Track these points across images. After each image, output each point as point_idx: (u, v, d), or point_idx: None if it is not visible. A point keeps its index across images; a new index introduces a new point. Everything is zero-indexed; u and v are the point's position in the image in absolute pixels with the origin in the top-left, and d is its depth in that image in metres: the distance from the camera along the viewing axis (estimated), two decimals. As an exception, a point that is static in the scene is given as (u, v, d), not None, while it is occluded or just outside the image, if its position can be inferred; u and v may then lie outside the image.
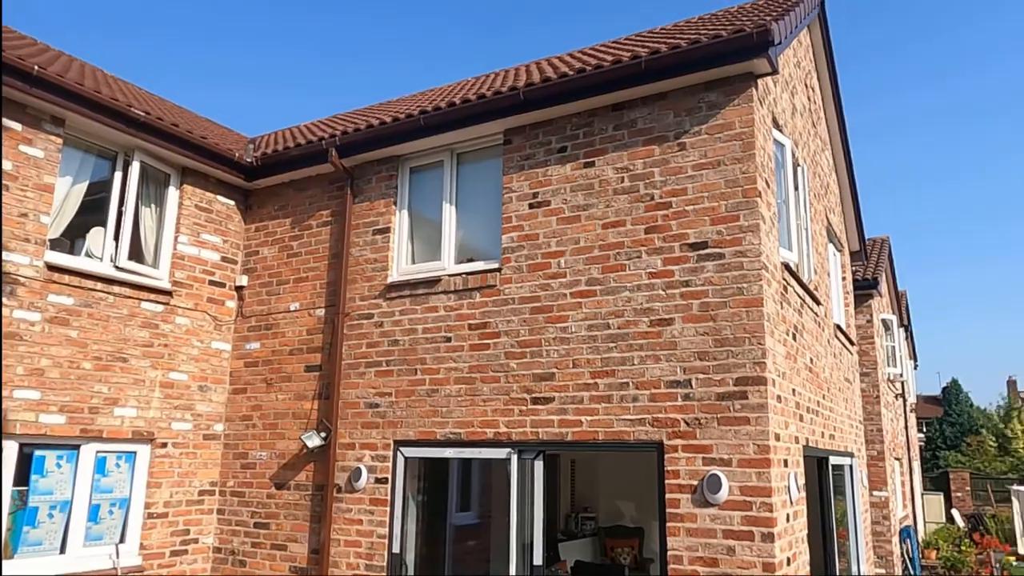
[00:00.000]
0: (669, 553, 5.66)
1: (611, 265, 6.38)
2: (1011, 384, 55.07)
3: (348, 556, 7.13)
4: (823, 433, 7.75)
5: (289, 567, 7.50)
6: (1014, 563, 17.03)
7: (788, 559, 5.64)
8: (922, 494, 22.79)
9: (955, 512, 23.96)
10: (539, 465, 6.45)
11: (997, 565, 14.72)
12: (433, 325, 7.19)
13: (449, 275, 7.23)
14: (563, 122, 6.88)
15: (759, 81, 6.19)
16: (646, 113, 6.48)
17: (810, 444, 6.95)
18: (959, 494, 26.28)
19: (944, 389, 51.72)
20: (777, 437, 5.68)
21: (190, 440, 7.94)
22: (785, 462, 5.84)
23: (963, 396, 50.53)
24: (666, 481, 5.80)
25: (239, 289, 8.60)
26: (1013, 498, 14.69)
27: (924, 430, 43.89)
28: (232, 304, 8.56)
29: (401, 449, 7.15)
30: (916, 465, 22.35)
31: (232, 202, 8.70)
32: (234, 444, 8.21)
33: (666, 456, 5.83)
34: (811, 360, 7.46)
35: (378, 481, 7.16)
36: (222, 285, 8.48)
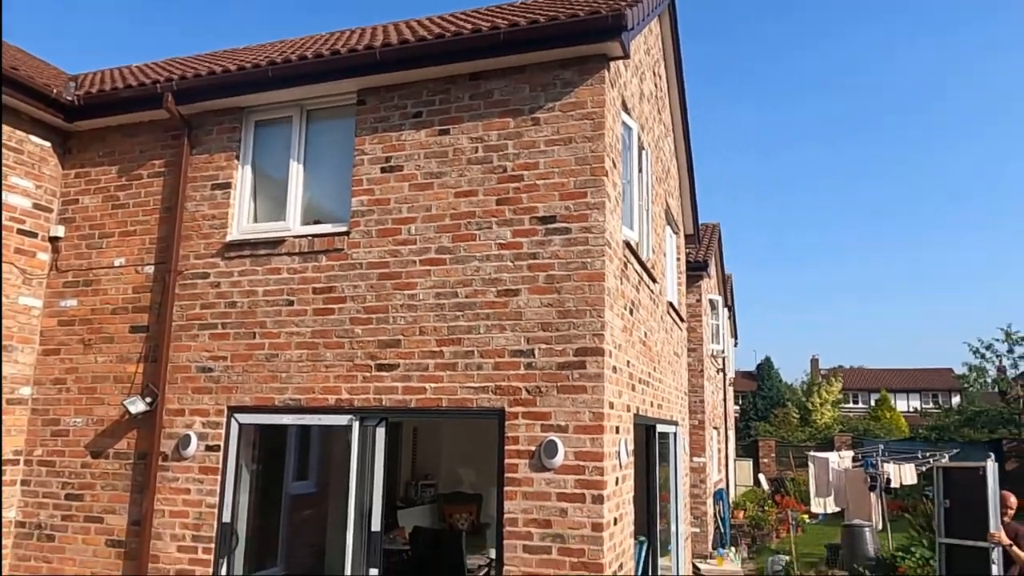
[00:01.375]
0: (506, 516, 5.83)
1: (462, 234, 6.40)
2: (814, 362, 61.43)
3: (173, 527, 6.76)
4: (652, 403, 8.26)
5: (105, 540, 6.99)
6: (807, 520, 19.10)
7: (615, 519, 5.99)
8: (735, 460, 24.95)
9: (762, 476, 26.46)
10: (381, 432, 6.41)
11: (793, 522, 16.45)
12: (275, 288, 6.91)
13: (294, 236, 6.95)
14: (420, 87, 6.77)
15: (611, 64, 6.40)
16: (503, 85, 6.52)
17: (640, 413, 7.38)
18: (766, 460, 29.06)
19: (758, 366, 56.76)
20: (611, 405, 5.99)
21: (-10, 405, 7.17)
22: (617, 429, 6.17)
23: (774, 372, 55.70)
24: (506, 447, 5.95)
25: (54, 240, 7.81)
26: (809, 463, 16.47)
27: (740, 403, 47.97)
28: (45, 256, 7.76)
29: (236, 415, 6.84)
30: (731, 434, 24.41)
31: (48, 144, 7.85)
32: (43, 410, 7.50)
33: (507, 423, 5.99)
34: (645, 334, 7.90)
35: (209, 449, 6.82)
36: (33, 235, 7.66)
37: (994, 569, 7.70)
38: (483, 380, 6.11)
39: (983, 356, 27.62)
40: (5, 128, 7.39)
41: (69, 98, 7.62)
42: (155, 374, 7.09)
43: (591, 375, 5.85)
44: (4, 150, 7.38)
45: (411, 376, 6.32)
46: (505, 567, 5.76)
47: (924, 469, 16.22)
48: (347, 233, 6.75)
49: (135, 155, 7.74)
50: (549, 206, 6.19)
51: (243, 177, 7.37)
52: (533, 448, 5.87)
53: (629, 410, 6.78)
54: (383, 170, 6.75)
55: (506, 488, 5.89)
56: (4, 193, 7.36)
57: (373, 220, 6.69)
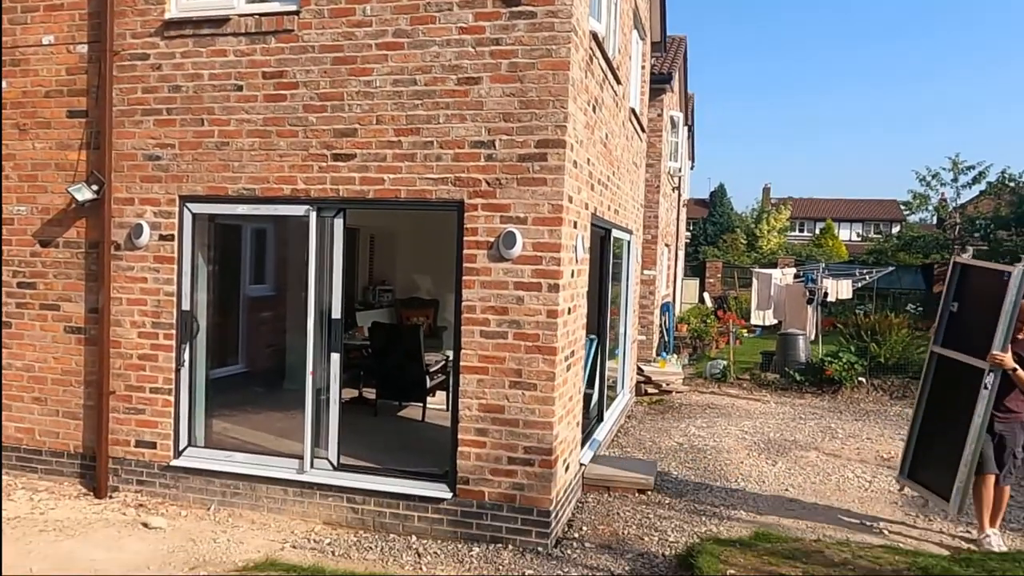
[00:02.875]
0: (464, 304, 5.99)
1: (420, 16, 6.03)
2: (766, 191, 62.42)
3: (132, 315, 6.80)
4: (609, 207, 8.34)
5: (64, 327, 7.03)
6: (745, 333, 20.26)
7: (569, 309, 6.22)
8: (682, 279, 25.93)
9: (706, 295, 27.69)
10: (339, 224, 6.37)
11: (732, 334, 17.43)
12: (221, 71, 6.51)
13: (239, 15, 6.46)
14: None
15: None
16: None
17: (597, 214, 7.45)
18: (711, 280, 30.27)
19: (712, 193, 57.51)
20: (570, 199, 6.01)
21: (-75, 190, 6.86)
22: (575, 224, 6.24)
23: (726, 200, 56.59)
24: (464, 238, 6.00)
25: (-28, 14, 7.13)
26: (753, 278, 17.18)
27: (691, 228, 49.06)
28: (-36, 32, 7.12)
29: (188, 205, 6.70)
30: (681, 254, 25.16)
31: (-50, -102, 6.94)
32: (-17, 198, 7.21)
33: (466, 215, 5.99)
34: (606, 136, 7.81)
35: (163, 239, 6.72)
36: (-53, 6, 6.97)
37: (983, 395, 6.02)
38: (442, 171, 6.03)
39: (928, 184, 28.39)
40: None
41: None
42: (99, 162, 6.80)
43: (551, 167, 5.81)
44: (-101, -98, 6.52)
45: (368, 167, 6.19)
46: (463, 351, 6.01)
47: (859, 285, 17.13)
48: (297, 12, 6.30)
49: (54, -84, 6.92)
50: (514, -13, 5.82)
51: (179, -54, 6.69)
52: (492, 239, 5.93)
53: (587, 208, 6.83)
54: (334, -59, 6.18)
55: (464, 278, 6.00)
56: (-94, -46, 6.59)
57: (325, -2, 6.22)
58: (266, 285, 11.94)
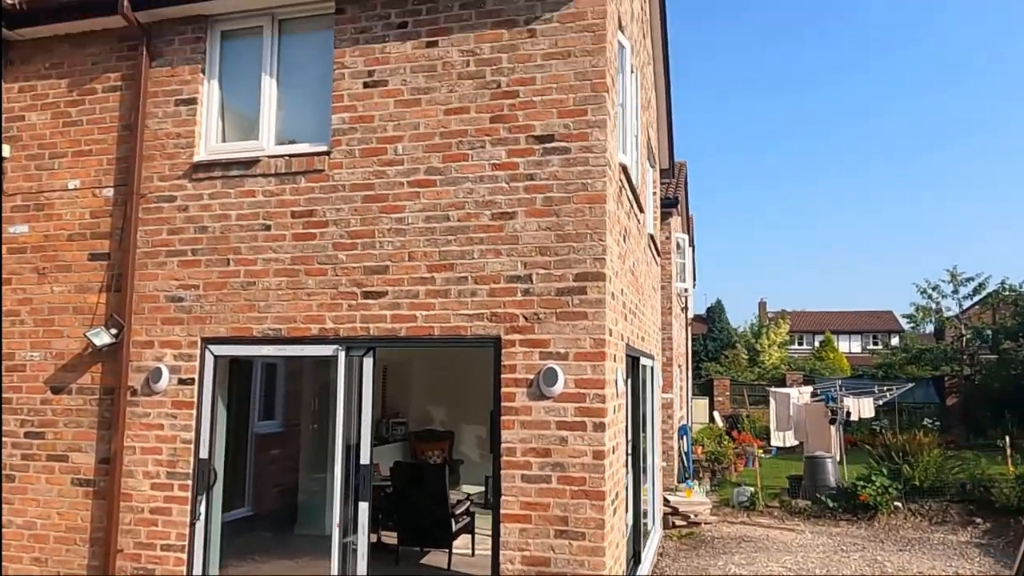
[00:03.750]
0: (503, 446, 5.65)
1: (453, 154, 6.03)
2: (762, 305, 62.88)
3: (146, 464, 6.41)
4: (637, 334, 8.14)
5: (71, 479, 6.60)
6: (762, 454, 19.63)
7: (613, 448, 5.87)
8: (691, 398, 25.45)
9: (716, 414, 27.12)
10: (368, 362, 6.12)
11: (750, 456, 16.86)
12: (250, 211, 6.46)
13: (269, 156, 6.48)
14: (404, -6, 6.28)
15: (612, -28, 6.01)
16: (493, -6, 6.08)
17: (630, 343, 7.24)
18: (720, 399, 29.76)
19: (709, 308, 57.78)
20: (610, 332, 5.80)
21: (-64, 338, 6.62)
22: (615, 357, 6.01)
23: (724, 315, 56.81)
24: (502, 376, 5.73)
25: (-1, 161, 7.15)
26: (771, 399, 16.83)
27: (692, 345, 48.94)
28: (-11, 179, 7.11)
29: (210, 347, 6.46)
30: (689, 374, 24.83)
31: (-13, 53, 7.12)
32: (-4, 343, 6.97)
33: (503, 351, 5.75)
34: (633, 264, 7.72)
35: (182, 382, 6.44)
36: (-25, 154, 7.00)
37: None
38: (477, 307, 5.85)
39: (930, 296, 28.56)
40: (-63, 33, 6.66)
41: (11, 2, 6.87)
42: (119, 304, 6.61)
43: (592, 301, 5.64)
44: (-62, 58, 6.66)
45: (400, 304, 6.01)
46: (503, 498, 5.61)
47: (880, 403, 16.75)
48: (328, 153, 6.32)
49: (87, 67, 7.08)
50: (547, 124, 5.86)
51: (210, 92, 6.81)
52: (531, 376, 5.66)
53: (623, 339, 6.62)
54: (366, 85, 6.29)
55: (503, 418, 5.69)
56: (-60, 106, 6.67)
57: (356, 139, 6.26)
58: (275, 421, 11.50)
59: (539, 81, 5.92)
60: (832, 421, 15.15)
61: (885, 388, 17.53)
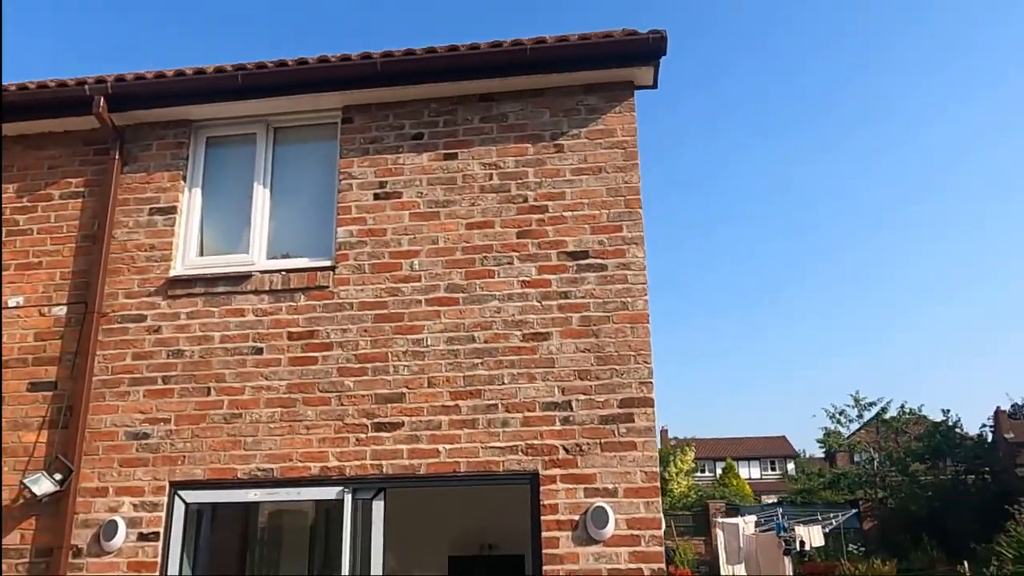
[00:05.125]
0: (548, 602, 4.88)
1: (477, 271, 5.58)
2: (663, 433, 63.53)
3: (88, 646, 5.14)
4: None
5: (-18, 672, 5.21)
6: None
7: (664, 598, 5.21)
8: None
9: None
10: (379, 506, 5.28)
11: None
12: (237, 332, 5.67)
13: (262, 271, 5.79)
14: (419, 106, 5.98)
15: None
16: (518, 108, 5.89)
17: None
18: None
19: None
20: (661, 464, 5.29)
21: None
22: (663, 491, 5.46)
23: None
24: (542, 517, 5.05)
25: (-81, 274, 6.07)
26: (718, 530, 16.41)
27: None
28: (-95, 295, 6.00)
29: (180, 493, 5.42)
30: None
31: (-81, 153, 6.20)
32: None
33: (542, 488, 5.11)
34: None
35: (143, 538, 5.32)
36: None
37: None
38: (510, 438, 5.22)
39: (839, 421, 29.70)
40: None
41: (-40, 97, 6.08)
42: (67, 443, 5.52)
43: (640, 429, 5.15)
44: None
45: (419, 436, 5.29)
46: (550, 665, 4.78)
47: (827, 530, 16.64)
48: (333, 268, 5.71)
49: (41, 171, 6.27)
50: (579, 240, 5.55)
51: (191, 201, 6.14)
52: (577, 517, 5.01)
53: (651, 471, 6.09)
54: (377, 197, 5.83)
55: (546, 568, 4.96)
56: None
57: (366, 253, 5.71)
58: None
59: (569, 196, 5.65)
60: (787, 552, 14.81)
61: (831, 515, 17.51)
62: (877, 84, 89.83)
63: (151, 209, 6.04)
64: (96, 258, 5.87)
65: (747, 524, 16.53)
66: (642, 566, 4.89)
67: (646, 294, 5.41)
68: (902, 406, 28.08)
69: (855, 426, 29.86)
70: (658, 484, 5.06)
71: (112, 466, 5.50)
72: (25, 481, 5.30)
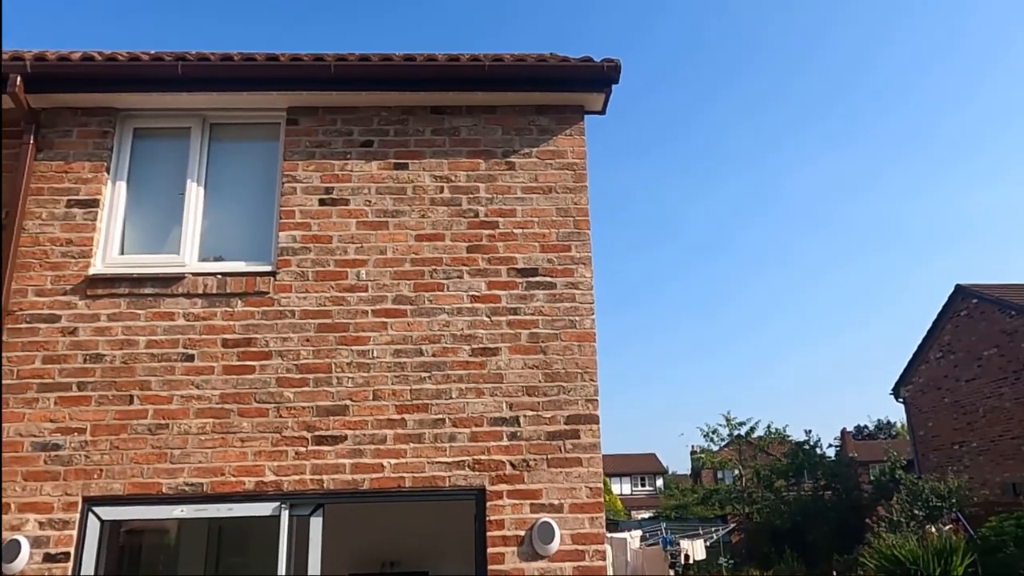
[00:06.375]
0: (494, 618, 4.87)
1: (426, 283, 5.53)
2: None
3: None
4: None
5: None
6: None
7: (601, 611, 5.31)
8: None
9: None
10: (317, 523, 5.08)
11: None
12: (166, 337, 5.32)
13: (195, 274, 5.48)
14: (369, 113, 5.88)
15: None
16: (471, 123, 5.91)
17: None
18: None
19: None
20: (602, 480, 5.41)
21: None
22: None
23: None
24: (488, 533, 5.04)
25: None
26: (605, 543, 16.73)
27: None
28: None
29: (96, 509, 5.00)
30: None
31: None
32: None
33: (488, 504, 5.10)
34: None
35: (50, 559, 4.86)
36: None
37: None
38: (457, 454, 5.19)
39: (711, 439, 31.33)
40: None
41: None
42: (-39, 454, 4.98)
43: (586, 445, 5.26)
44: None
45: (363, 451, 5.16)
46: None
47: (708, 543, 17.41)
48: (273, 274, 5.49)
49: (-62, 152, 5.66)
50: (529, 257, 5.62)
51: (115, 195, 5.72)
52: (523, 533, 5.04)
53: (583, 487, 6.21)
54: (322, 202, 5.67)
55: (491, 584, 4.94)
56: None
57: (309, 260, 5.53)
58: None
59: (519, 214, 5.72)
60: (672, 565, 15.38)
61: (713, 529, 18.36)
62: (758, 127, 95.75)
63: (69, 201, 5.58)
64: (3, 251, 5.36)
65: (633, 538, 17.07)
66: (586, 581, 4.98)
67: (593, 313, 5.54)
68: (768, 427, 30.10)
69: (722, 445, 31.76)
70: (602, 500, 5.17)
71: (15, 480, 5.00)
72: (-89, 496, 4.73)
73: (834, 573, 16.92)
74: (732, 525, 20.62)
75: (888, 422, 57.69)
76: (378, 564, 9.40)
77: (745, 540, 27.20)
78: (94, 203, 5.59)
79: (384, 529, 8.31)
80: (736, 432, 30.48)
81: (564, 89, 5.85)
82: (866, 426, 61.24)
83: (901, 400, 22.96)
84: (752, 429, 30.34)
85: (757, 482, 27.93)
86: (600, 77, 5.73)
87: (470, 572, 5.18)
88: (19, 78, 5.42)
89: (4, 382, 5.16)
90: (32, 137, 5.60)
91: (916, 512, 16.56)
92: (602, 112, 6.09)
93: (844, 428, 43.99)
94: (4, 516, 4.92)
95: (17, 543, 4.84)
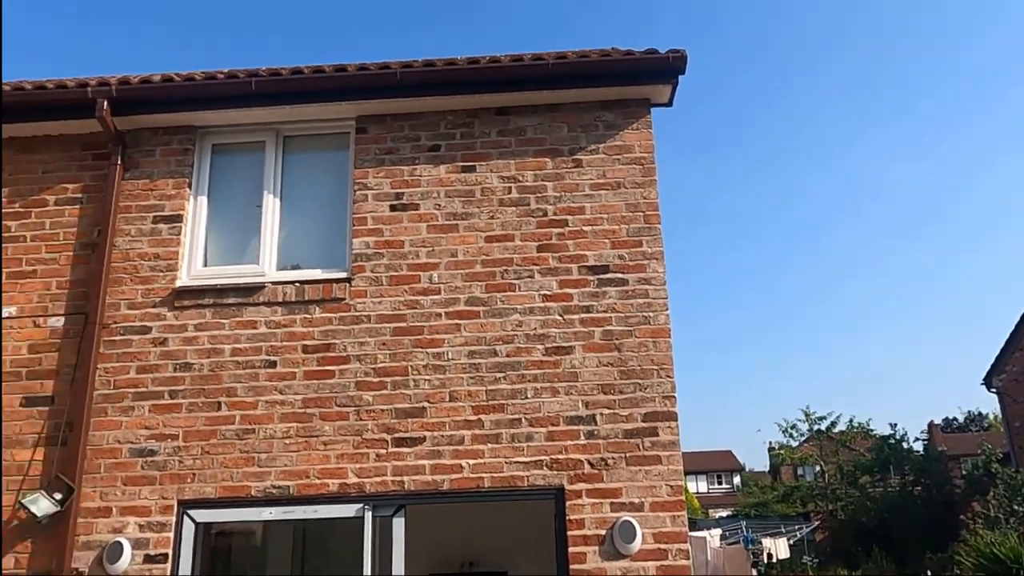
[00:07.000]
0: (578, 618, 4.85)
1: (497, 284, 5.55)
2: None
3: (91, 676, 4.88)
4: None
5: None
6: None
7: (686, 611, 5.23)
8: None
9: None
10: (400, 524, 5.16)
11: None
12: (249, 345, 5.50)
13: (275, 283, 5.64)
14: (435, 118, 5.95)
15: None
16: (536, 123, 5.91)
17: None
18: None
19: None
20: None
21: None
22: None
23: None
24: (568, 532, 5.02)
25: (-101, 282, 5.72)
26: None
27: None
28: None
29: (190, 512, 5.21)
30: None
31: (-99, 154, 5.86)
32: None
33: (568, 503, 5.08)
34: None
35: (150, 560, 5.09)
36: None
37: None
38: (535, 453, 5.19)
39: (791, 435, 30.51)
40: None
41: (-51, 95, 5.77)
42: (66, 462, 5.25)
43: (665, 443, 5.18)
44: None
45: (442, 451, 5.22)
46: None
47: (791, 542, 16.95)
48: (349, 280, 5.61)
49: (36, 176, 6.00)
50: (600, 254, 5.58)
51: (198, 210, 5.95)
52: (603, 532, 5.00)
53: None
54: (393, 208, 5.76)
55: (573, 583, 4.92)
56: None
57: (383, 265, 5.62)
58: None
59: (588, 211, 5.68)
60: (755, 564, 15.02)
61: (796, 527, 17.89)
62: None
63: (155, 217, 5.83)
64: (96, 267, 5.64)
65: (713, 537, 16.72)
66: (670, 580, 4.90)
67: (667, 308, 5.46)
68: (850, 421, 29.13)
69: (801, 440, 30.82)
70: (683, 498, 5.09)
71: (115, 484, 5.25)
72: (23, 501, 5.02)
73: (928, 572, 16.21)
74: (816, 523, 20.00)
75: (979, 413, 54.85)
76: (457, 564, 9.49)
77: (829, 538, 26.37)
78: (178, 218, 5.83)
79: (462, 530, 8.37)
80: (816, 427, 29.59)
81: (629, 83, 5.79)
82: (955, 418, 58.41)
83: (994, 390, 21.85)
84: (833, 424, 29.42)
85: (840, 478, 27.05)
86: (666, 68, 5.64)
87: (548, 572, 5.19)
88: (106, 102, 5.69)
89: (102, 392, 5.42)
90: (119, 158, 5.87)
91: (1016, 508, 15.72)
92: (669, 104, 6.00)
93: (931, 421, 42.07)
94: (105, 520, 5.17)
95: (120, 545, 5.08)
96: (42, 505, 5.03)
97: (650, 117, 5.90)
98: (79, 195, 5.92)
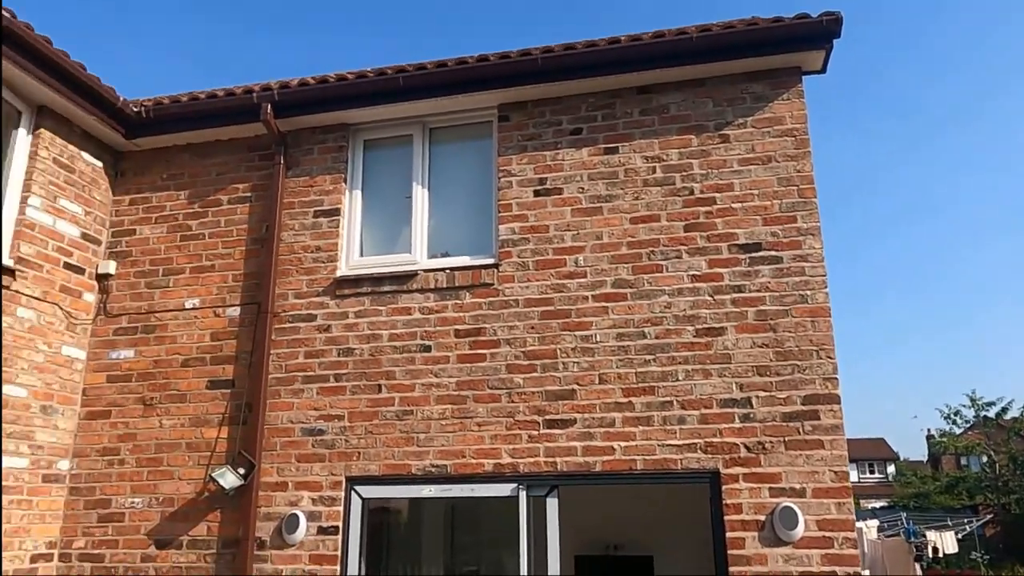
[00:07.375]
0: (738, 604, 4.74)
1: (644, 265, 5.49)
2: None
3: (276, 636, 5.31)
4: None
5: (177, 657, 5.45)
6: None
7: (853, 603, 4.99)
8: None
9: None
10: (553, 503, 5.25)
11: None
12: (405, 331, 5.75)
13: (427, 270, 5.86)
14: (576, 101, 5.94)
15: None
16: (679, 99, 5.77)
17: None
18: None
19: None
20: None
21: (24, 483, 5.61)
22: (848, 492, 5.24)
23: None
24: (725, 517, 4.91)
25: (102, 278, 6.41)
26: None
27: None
28: (91, 297, 6.34)
29: (357, 488, 5.54)
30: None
31: (100, 164, 6.55)
32: (88, 488, 5.94)
33: (724, 487, 4.97)
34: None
35: (323, 531, 5.46)
36: (80, 271, 6.26)
37: None
38: (688, 436, 5.11)
39: (954, 421, 28.27)
40: (57, 139, 6.10)
41: (136, 109, 6.40)
42: (247, 439, 5.73)
43: (827, 427, 4.95)
44: (54, 165, 6.06)
45: (593, 433, 5.24)
46: (742, 670, 4.64)
47: (960, 536, 15.77)
48: (496, 266, 5.73)
49: (210, 178, 6.53)
50: (751, 232, 5.38)
51: (352, 203, 6.27)
52: (762, 517, 4.85)
53: (822, 471, 5.86)
54: (537, 193, 5.82)
55: (732, 569, 4.82)
56: (53, 218, 6.00)
57: (529, 250, 5.70)
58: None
59: (737, 187, 5.49)
60: (918, 559, 14.09)
61: (965, 520, 16.62)
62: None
63: (315, 212, 6.20)
64: (266, 260, 6.08)
65: (869, 529, 15.82)
66: (836, 569, 4.70)
67: (826, 286, 5.20)
68: (1024, 406, 26.52)
69: (966, 427, 28.39)
70: (849, 484, 4.85)
71: (290, 461, 5.67)
72: (213, 475, 5.52)
73: None
74: (987, 517, 18.37)
75: None
76: (602, 547, 9.53)
77: (1001, 533, 24.24)
78: (336, 212, 6.17)
79: (608, 513, 8.39)
80: (983, 413, 27.20)
81: (778, 51, 5.52)
82: None
83: None
84: (1004, 410, 26.92)
85: (1013, 469, 24.76)
86: (819, 32, 5.34)
87: (697, 558, 5.08)
88: (269, 106, 6.11)
89: (275, 375, 5.86)
90: (282, 158, 6.29)
91: None
92: (822, 71, 5.68)
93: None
94: (282, 493, 5.59)
95: (296, 517, 5.48)
96: (228, 479, 5.52)
97: (802, 86, 5.62)
98: (248, 194, 6.40)
